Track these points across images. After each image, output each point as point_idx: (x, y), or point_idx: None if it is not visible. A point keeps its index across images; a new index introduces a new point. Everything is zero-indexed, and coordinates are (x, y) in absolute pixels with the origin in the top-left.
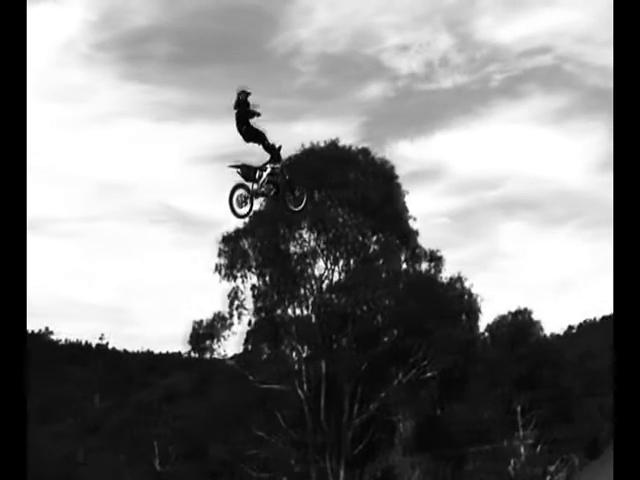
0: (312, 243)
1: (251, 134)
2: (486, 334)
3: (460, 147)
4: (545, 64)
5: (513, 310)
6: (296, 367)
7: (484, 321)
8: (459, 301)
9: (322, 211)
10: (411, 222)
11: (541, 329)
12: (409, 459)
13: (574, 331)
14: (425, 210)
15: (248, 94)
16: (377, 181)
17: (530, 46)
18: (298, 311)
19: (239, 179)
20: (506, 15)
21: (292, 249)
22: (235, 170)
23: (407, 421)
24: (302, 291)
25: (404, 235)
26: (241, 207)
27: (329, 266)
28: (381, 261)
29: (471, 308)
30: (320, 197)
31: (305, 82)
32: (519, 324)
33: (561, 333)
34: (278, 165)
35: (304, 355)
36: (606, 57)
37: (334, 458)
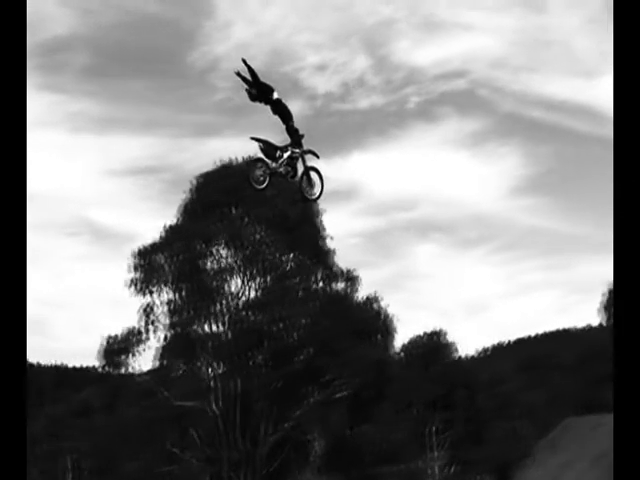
0: (228, 259)
1: (279, 108)
2: (401, 354)
3: (376, 168)
4: (460, 88)
5: (428, 331)
6: (211, 384)
7: (399, 341)
8: (374, 321)
9: (239, 228)
10: (327, 241)
11: (455, 350)
12: (322, 478)
13: (487, 353)
14: (341, 229)
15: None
16: (294, 199)
17: (446, 70)
18: (214, 327)
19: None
20: (423, 38)
21: (208, 265)
22: (257, 144)
23: (321, 440)
24: (218, 307)
25: (320, 254)
26: (259, 181)
27: (245, 283)
28: (297, 279)
29: (386, 328)
30: (237, 214)
31: (222, 98)
32: (433, 345)
33: (474, 355)
34: (298, 150)
35: (219, 372)
36: (520, 82)
37: (248, 476)
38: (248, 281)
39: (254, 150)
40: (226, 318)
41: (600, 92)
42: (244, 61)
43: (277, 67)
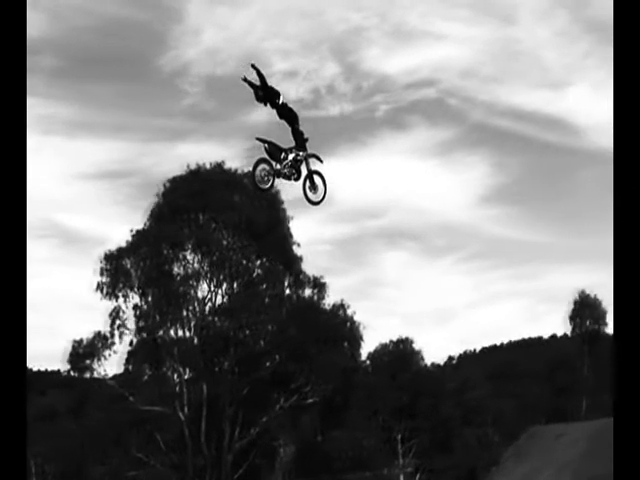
0: (196, 265)
1: (285, 112)
2: (368, 362)
3: (346, 175)
4: (429, 97)
5: (395, 339)
6: (177, 389)
7: (366, 349)
8: (342, 328)
9: (207, 233)
10: (295, 248)
11: (422, 359)
12: None
13: (455, 362)
14: (309, 236)
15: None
16: (262, 205)
17: (415, 78)
18: (180, 332)
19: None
20: (393, 47)
21: (175, 270)
22: (262, 145)
23: (288, 446)
24: (185, 313)
25: (288, 260)
26: (263, 182)
27: (212, 289)
28: (264, 286)
29: (353, 335)
30: (205, 219)
31: (191, 103)
32: (400, 353)
33: (441, 363)
34: (303, 153)
35: (185, 377)
36: (489, 93)
37: None
38: (215, 287)
39: (222, 156)
40: (193, 324)
41: (567, 103)
42: (253, 65)
43: (247, 73)
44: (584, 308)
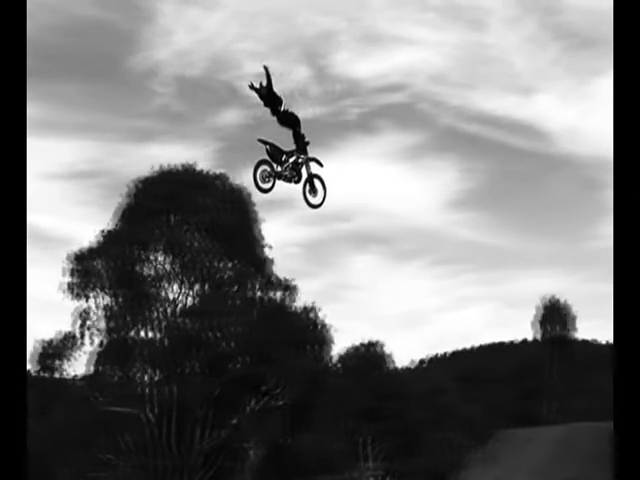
0: (167, 266)
1: (285, 118)
2: (338, 365)
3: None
4: (400, 101)
5: (365, 342)
6: (147, 390)
7: (336, 351)
8: (311, 331)
9: (178, 235)
10: (266, 250)
11: (391, 362)
12: None
13: (424, 365)
14: (280, 239)
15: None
16: (233, 207)
17: (385, 83)
18: (150, 334)
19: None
20: (363, 51)
21: (146, 271)
22: (264, 147)
23: (257, 449)
24: (155, 314)
25: (259, 263)
26: (264, 182)
27: (183, 290)
28: (235, 288)
29: (323, 338)
30: (176, 220)
31: (161, 104)
32: (370, 356)
33: (411, 367)
34: (303, 156)
35: (155, 378)
36: (459, 98)
37: None
38: (186, 288)
39: (192, 158)
40: (163, 325)
41: (536, 109)
42: (265, 68)
43: (218, 74)
44: (553, 313)
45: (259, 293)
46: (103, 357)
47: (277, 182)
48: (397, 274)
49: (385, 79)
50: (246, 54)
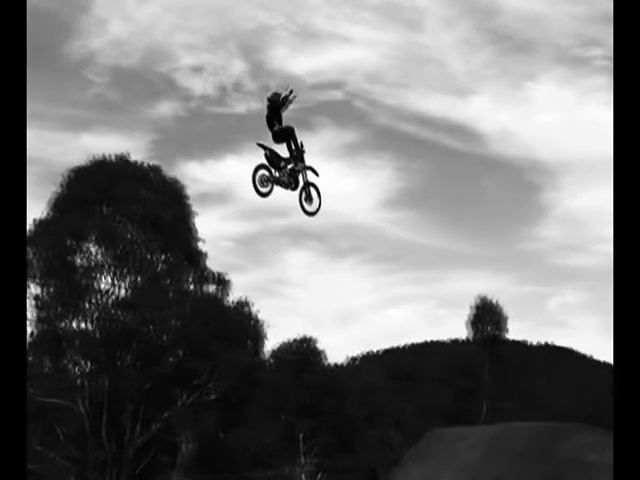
0: (99, 257)
1: (281, 135)
2: (271, 360)
3: (250, 173)
4: (336, 99)
5: (298, 338)
6: (78, 382)
7: (269, 347)
8: (245, 325)
9: (111, 226)
10: (200, 244)
11: (325, 358)
12: None
13: (357, 362)
14: (213, 233)
15: (279, 95)
16: (167, 200)
17: (322, 80)
18: (82, 325)
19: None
20: (300, 47)
21: (78, 261)
22: (263, 152)
23: (190, 443)
24: (87, 305)
25: (192, 256)
26: (263, 186)
27: (116, 282)
28: (168, 280)
29: (257, 333)
30: (109, 211)
31: (96, 93)
32: (303, 352)
33: (344, 363)
34: (301, 164)
35: (87, 370)
36: (395, 97)
37: (114, 476)
38: (119, 280)
39: (126, 148)
40: (95, 316)
41: (471, 110)
42: (291, 91)
43: (153, 66)
44: (485, 313)
45: (192, 286)
46: (34, 348)
47: (274, 188)
48: (331, 271)
49: (322, 76)
50: (181, 46)
